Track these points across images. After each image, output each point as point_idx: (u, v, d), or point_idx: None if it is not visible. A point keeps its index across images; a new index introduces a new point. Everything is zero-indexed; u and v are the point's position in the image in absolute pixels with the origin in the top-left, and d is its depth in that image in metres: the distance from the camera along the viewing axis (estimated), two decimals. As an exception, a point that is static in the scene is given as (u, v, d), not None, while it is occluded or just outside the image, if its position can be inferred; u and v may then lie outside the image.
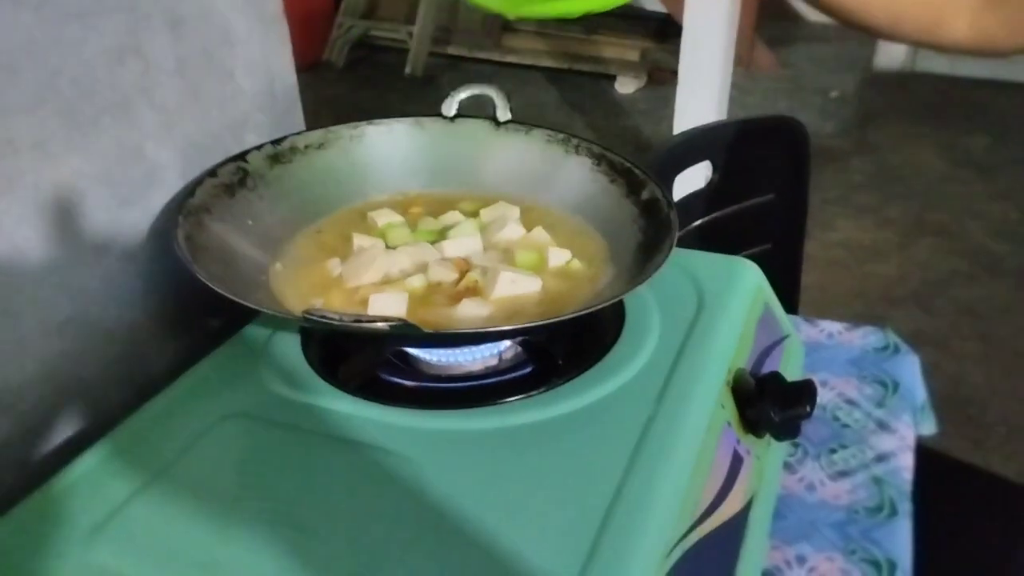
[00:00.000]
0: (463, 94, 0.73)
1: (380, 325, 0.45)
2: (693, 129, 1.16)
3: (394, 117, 0.74)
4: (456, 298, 0.58)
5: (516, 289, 0.58)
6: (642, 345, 0.59)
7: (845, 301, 2.23)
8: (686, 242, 1.17)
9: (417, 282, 0.59)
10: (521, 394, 0.55)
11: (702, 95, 2.27)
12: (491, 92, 0.73)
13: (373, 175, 0.73)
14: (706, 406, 0.55)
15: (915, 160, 3.01)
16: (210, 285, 0.52)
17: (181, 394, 0.58)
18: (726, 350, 0.60)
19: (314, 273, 0.61)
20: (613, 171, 0.68)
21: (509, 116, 0.73)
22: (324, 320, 0.46)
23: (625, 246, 0.62)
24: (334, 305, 0.58)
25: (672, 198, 0.62)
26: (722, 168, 1.16)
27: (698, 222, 1.17)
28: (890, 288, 2.29)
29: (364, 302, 0.57)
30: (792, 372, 0.69)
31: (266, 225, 0.65)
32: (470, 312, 0.56)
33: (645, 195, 0.64)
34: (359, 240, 0.63)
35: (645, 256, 0.59)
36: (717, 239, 1.20)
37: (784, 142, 1.21)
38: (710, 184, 1.16)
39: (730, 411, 0.57)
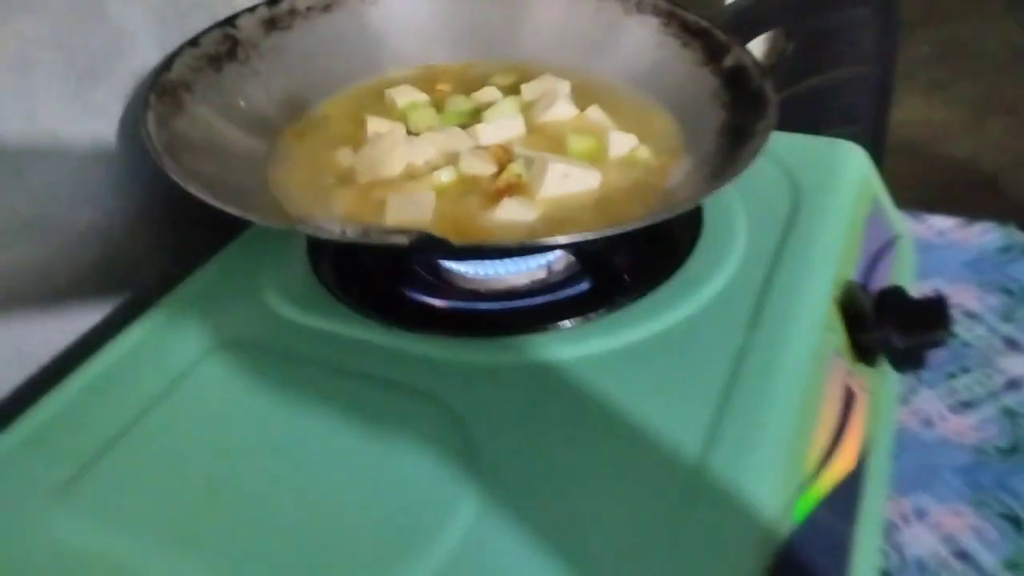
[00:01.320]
0: (498, -59, 0.59)
1: (396, 239, 0.34)
2: (766, -11, 0.99)
3: (415, -28, 0.61)
4: (495, 197, 0.46)
5: (569, 185, 0.46)
6: (726, 253, 0.48)
7: (915, 187, 2.06)
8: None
9: (446, 176, 0.47)
10: (576, 317, 0.44)
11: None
12: (533, -63, 0.59)
13: (391, 44, 0.60)
14: (810, 331, 0.44)
15: (986, 31, 2.74)
16: (185, 186, 0.41)
17: (166, 317, 0.48)
18: (831, 258, 0.49)
19: (321, 166, 0.50)
20: (686, 33, 0.55)
21: (557, -33, 0.60)
22: (322, 232, 0.35)
23: (704, 128, 0.50)
24: (345, 206, 0.46)
25: (764, 65, 0.49)
26: (798, 36, 1.00)
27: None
28: (962, 172, 2.11)
29: (382, 203, 0.46)
30: (906, 281, 0.57)
31: (261, 107, 0.53)
32: (512, 215, 0.45)
33: (728, 62, 0.51)
34: (374, 124, 0.52)
35: (732, 140, 0.46)
36: (788, 120, 1.05)
37: (867, 4, 1.04)
38: (783, 55, 1.01)
39: (839, 336, 0.46)
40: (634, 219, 0.39)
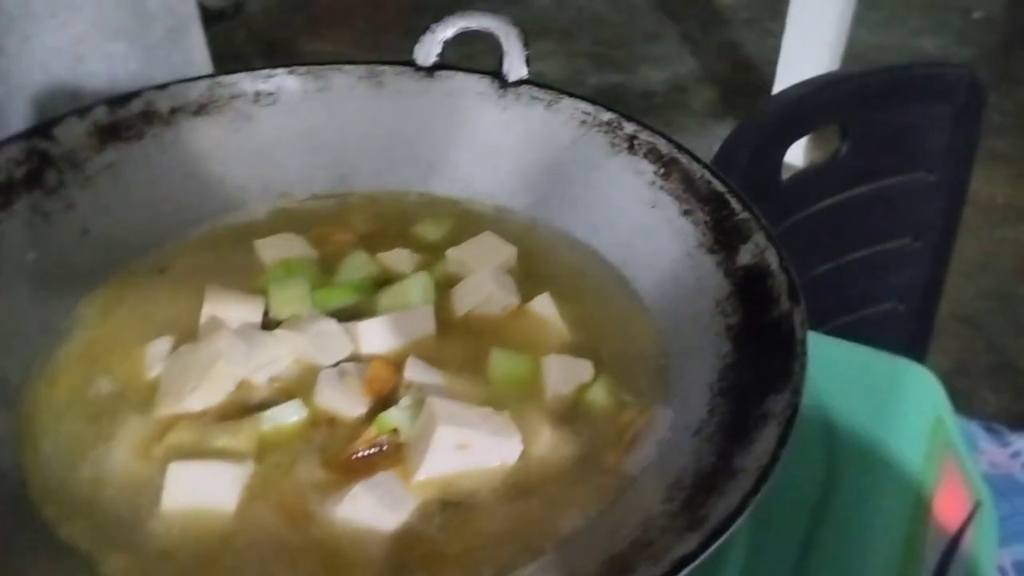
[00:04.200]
0: (451, 30, 0.43)
1: None
2: (820, 78, 0.82)
3: (336, 63, 0.45)
4: (348, 470, 0.29)
5: (468, 461, 0.29)
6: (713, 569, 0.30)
7: (970, 274, 1.84)
8: (791, 237, 0.85)
9: (289, 416, 0.31)
10: None
11: (821, 6, 1.87)
12: (498, 28, 0.42)
13: (289, 159, 0.44)
14: None
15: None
16: None
17: None
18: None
19: (116, 366, 0.33)
20: (690, 194, 0.37)
21: (525, 72, 0.43)
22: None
23: (699, 362, 0.32)
24: (119, 463, 0.30)
25: (795, 276, 0.32)
26: (856, 134, 0.82)
27: (814, 208, 0.85)
28: (1026, 260, 1.88)
29: (167, 458, 0.29)
30: (985, 568, 0.39)
31: (63, 259, 0.37)
32: (362, 516, 0.28)
33: (745, 257, 0.34)
34: (213, 304, 0.35)
35: (734, 408, 0.29)
36: (835, 230, 0.87)
37: (947, 100, 0.86)
38: (837, 156, 0.83)
39: None
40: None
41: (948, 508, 0.37)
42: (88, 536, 0.28)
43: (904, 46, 2.61)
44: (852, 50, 1.92)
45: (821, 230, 0.86)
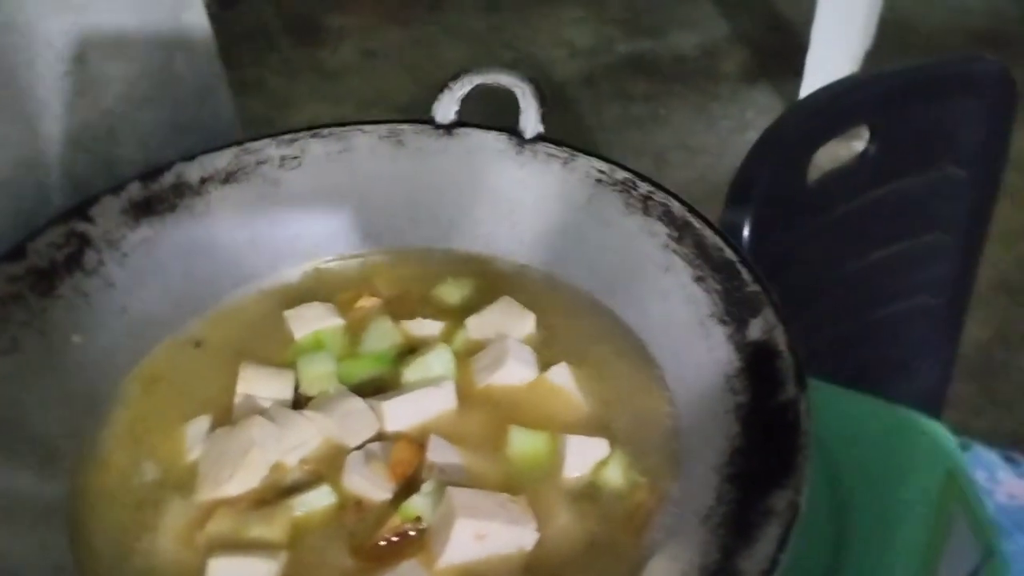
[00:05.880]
0: (467, 87, 0.44)
1: None
2: (847, 80, 0.81)
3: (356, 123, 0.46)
4: (374, 557, 0.31)
5: (486, 549, 0.31)
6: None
7: (1009, 241, 1.78)
8: (821, 235, 0.85)
9: (318, 500, 0.33)
10: None
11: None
12: (513, 84, 0.43)
13: (314, 225, 0.45)
14: None
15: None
16: None
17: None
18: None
19: (158, 448, 0.36)
20: (703, 260, 0.38)
21: (541, 128, 0.44)
22: None
23: (709, 441, 0.34)
24: (164, 552, 0.32)
25: (803, 360, 0.33)
26: (884, 134, 0.81)
27: (842, 208, 0.84)
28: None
29: (209, 547, 0.31)
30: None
31: (105, 338, 0.39)
32: (390, 607, 0.30)
33: (754, 332, 0.35)
34: (247, 382, 0.37)
35: (738, 497, 0.30)
36: (865, 228, 0.87)
37: (978, 95, 0.84)
38: (865, 157, 0.82)
39: None
40: None
41: (956, 562, 0.38)
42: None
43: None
44: (888, 7, 1.85)
45: (851, 228, 0.85)
